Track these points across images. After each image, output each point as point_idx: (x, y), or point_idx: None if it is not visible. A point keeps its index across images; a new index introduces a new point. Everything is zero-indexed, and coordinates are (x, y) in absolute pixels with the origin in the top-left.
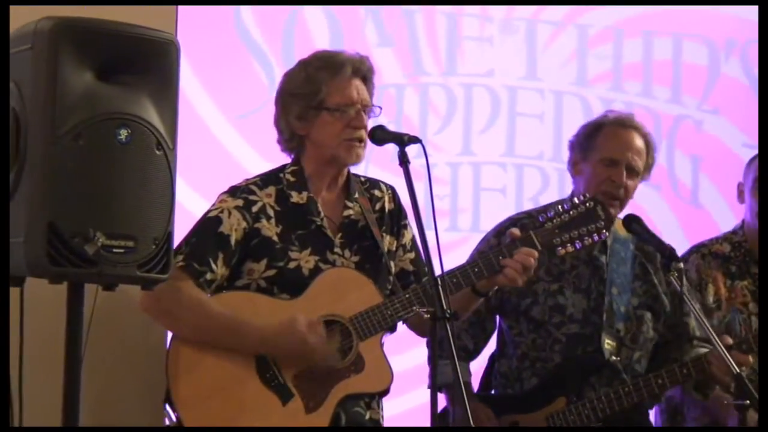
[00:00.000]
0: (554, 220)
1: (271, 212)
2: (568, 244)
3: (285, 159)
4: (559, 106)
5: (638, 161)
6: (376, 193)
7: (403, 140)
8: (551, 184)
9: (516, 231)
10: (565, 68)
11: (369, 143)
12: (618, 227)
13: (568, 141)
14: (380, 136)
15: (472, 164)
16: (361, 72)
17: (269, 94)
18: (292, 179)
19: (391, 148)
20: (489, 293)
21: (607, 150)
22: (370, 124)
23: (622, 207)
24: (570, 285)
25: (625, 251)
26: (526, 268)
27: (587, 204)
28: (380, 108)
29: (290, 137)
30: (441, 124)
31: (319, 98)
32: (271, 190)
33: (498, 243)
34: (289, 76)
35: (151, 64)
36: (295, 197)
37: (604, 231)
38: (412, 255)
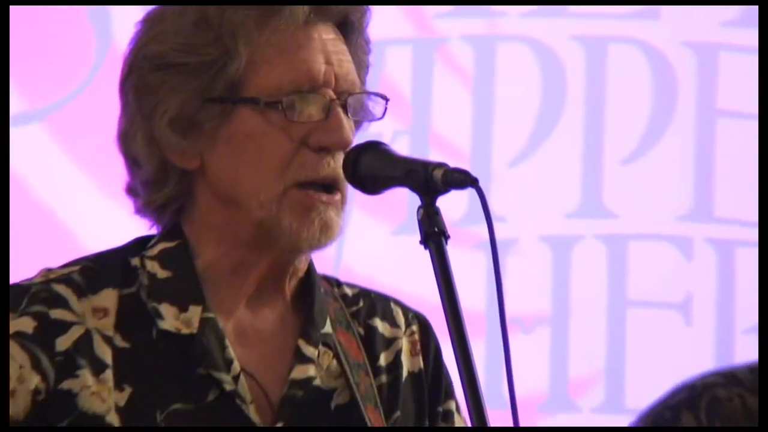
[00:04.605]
0: None
1: (105, 352)
2: None
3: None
4: None
5: None
6: (381, 326)
7: (432, 182)
8: None
9: None
10: None
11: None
12: None
13: None
14: (373, 169)
15: (604, 239)
16: (332, 12)
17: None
18: (162, 274)
19: (403, 198)
20: None
21: None
22: (358, 137)
23: None
24: None
25: None
26: None
27: None
28: (385, 99)
29: (159, 176)
30: (527, 143)
31: (231, 74)
32: (109, 298)
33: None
34: (152, 29)
35: None
36: (168, 318)
37: None
38: None
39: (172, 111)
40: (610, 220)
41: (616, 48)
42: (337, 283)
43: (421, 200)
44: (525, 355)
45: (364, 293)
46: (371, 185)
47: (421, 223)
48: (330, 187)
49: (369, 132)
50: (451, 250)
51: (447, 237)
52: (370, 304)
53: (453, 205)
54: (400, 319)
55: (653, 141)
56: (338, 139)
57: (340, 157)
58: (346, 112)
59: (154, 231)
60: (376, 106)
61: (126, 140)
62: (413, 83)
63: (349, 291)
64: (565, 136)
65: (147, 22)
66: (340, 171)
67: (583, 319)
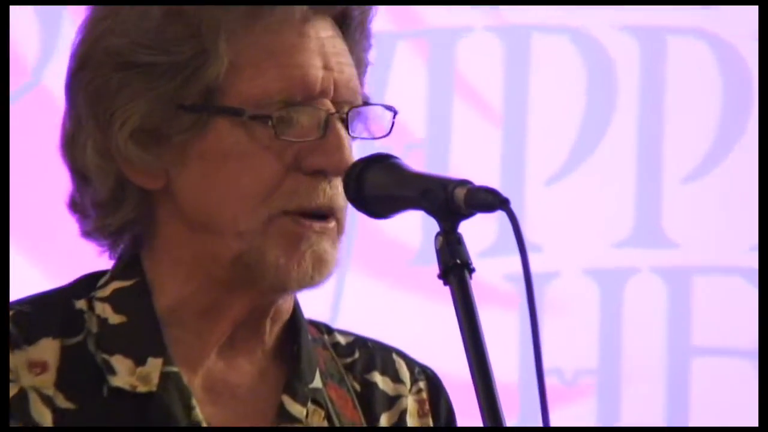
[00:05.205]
0: None
1: (43, 415)
2: None
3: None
4: None
5: None
6: (381, 381)
7: (454, 204)
8: None
9: None
10: None
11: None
12: None
13: None
14: (381, 188)
15: (663, 273)
16: (330, 6)
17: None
18: (114, 319)
19: (418, 222)
20: None
21: None
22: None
23: None
24: None
25: None
26: None
27: None
28: (393, 112)
29: (113, 196)
30: (568, 157)
31: (208, 78)
32: (49, 349)
33: None
34: (109, 17)
35: None
36: (122, 373)
37: None
38: None
39: (134, 120)
40: (670, 250)
41: (676, 41)
42: (328, 330)
43: (440, 226)
44: (567, 422)
45: (360, 342)
46: (379, 208)
47: (439, 253)
48: (328, 213)
49: (374, 143)
50: (476, 286)
51: (471, 270)
52: (368, 356)
53: (479, 231)
54: (405, 373)
55: (722, 154)
56: (337, 162)
57: (337, 183)
58: (346, 127)
59: (104, 263)
60: (382, 120)
61: (73, 149)
62: (429, 83)
63: (342, 339)
64: (615, 149)
65: (101, 9)
66: (338, 199)
67: (638, 372)
